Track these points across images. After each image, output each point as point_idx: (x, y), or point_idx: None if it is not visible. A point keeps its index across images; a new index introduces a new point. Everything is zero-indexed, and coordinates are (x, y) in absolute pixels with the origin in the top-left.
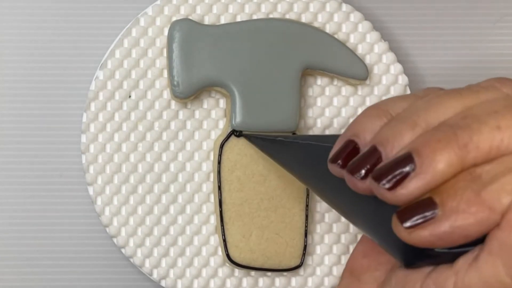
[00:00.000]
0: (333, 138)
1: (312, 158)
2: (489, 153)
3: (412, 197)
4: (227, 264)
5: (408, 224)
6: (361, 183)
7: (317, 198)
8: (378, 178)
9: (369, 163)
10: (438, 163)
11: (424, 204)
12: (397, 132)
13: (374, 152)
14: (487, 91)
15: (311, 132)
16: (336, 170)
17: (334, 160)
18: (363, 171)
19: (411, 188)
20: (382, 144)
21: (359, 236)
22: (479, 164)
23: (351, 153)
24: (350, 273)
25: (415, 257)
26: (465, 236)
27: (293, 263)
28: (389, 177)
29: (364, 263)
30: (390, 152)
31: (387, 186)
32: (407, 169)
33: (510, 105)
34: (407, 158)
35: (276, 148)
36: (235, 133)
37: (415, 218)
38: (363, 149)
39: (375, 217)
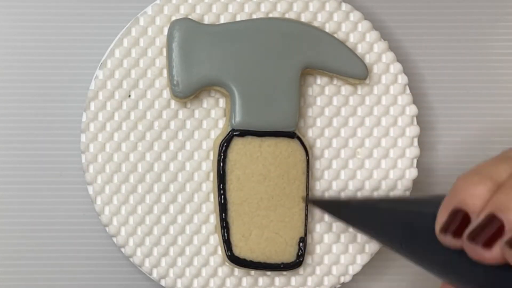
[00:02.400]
0: (420, 203)
1: (402, 224)
2: None
3: None
4: (227, 264)
5: None
6: (488, 253)
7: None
8: None
9: (491, 232)
10: None
11: None
12: None
13: (494, 220)
14: None
15: (310, 132)
16: (449, 241)
17: (445, 230)
18: (485, 241)
19: None
20: (502, 212)
21: (358, 236)
22: None
23: (463, 222)
24: None
25: None
26: None
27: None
28: None
29: None
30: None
31: None
32: None
33: None
34: None
35: (352, 213)
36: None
37: None
38: (475, 217)
39: (486, 280)
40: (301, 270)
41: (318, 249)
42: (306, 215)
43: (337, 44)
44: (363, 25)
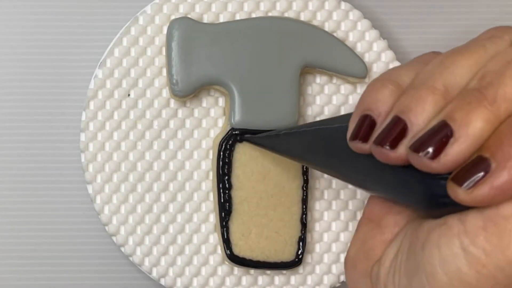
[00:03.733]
0: (339, 119)
1: (324, 141)
2: None
3: (457, 162)
4: (227, 263)
5: (466, 185)
6: (392, 153)
7: (316, 196)
8: (418, 149)
9: (395, 133)
10: (475, 124)
11: (476, 162)
12: (418, 98)
13: (398, 122)
14: (492, 42)
15: None
16: (359, 146)
17: (354, 137)
18: (390, 142)
19: (454, 153)
20: (404, 113)
21: None
22: None
23: (370, 127)
24: (369, 219)
25: (437, 205)
26: None
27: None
28: (429, 146)
29: (384, 208)
30: (415, 119)
31: (429, 155)
32: (445, 136)
33: None
34: (443, 126)
35: (282, 142)
36: (237, 138)
37: (472, 178)
38: (380, 120)
39: (395, 180)
40: (300, 269)
41: (317, 248)
42: (306, 214)
43: (337, 43)
44: (363, 24)
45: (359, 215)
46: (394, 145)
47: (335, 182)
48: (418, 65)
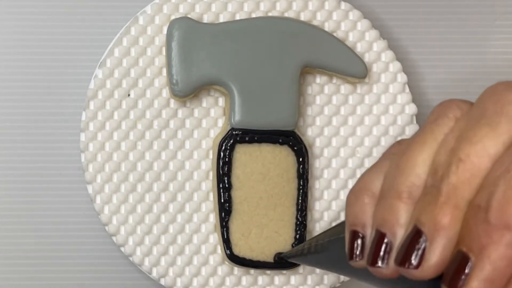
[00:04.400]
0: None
1: (338, 254)
2: (472, 182)
3: (441, 264)
4: (226, 263)
5: (459, 286)
6: (385, 270)
7: (315, 196)
8: (402, 263)
9: (381, 249)
10: (442, 223)
11: (458, 260)
12: (389, 209)
13: (381, 236)
14: (438, 125)
15: (309, 131)
16: (359, 265)
17: (351, 258)
18: (381, 259)
19: (435, 257)
20: (382, 226)
21: None
22: (476, 195)
23: (362, 243)
24: None
25: None
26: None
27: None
28: (411, 257)
29: None
30: (392, 229)
31: (413, 266)
32: (421, 242)
33: (460, 135)
34: (416, 232)
35: (308, 260)
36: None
37: (461, 278)
38: (368, 233)
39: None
40: (300, 269)
41: None
42: (306, 214)
43: (337, 43)
44: (363, 24)
45: None
46: (384, 262)
47: (335, 183)
48: (384, 164)
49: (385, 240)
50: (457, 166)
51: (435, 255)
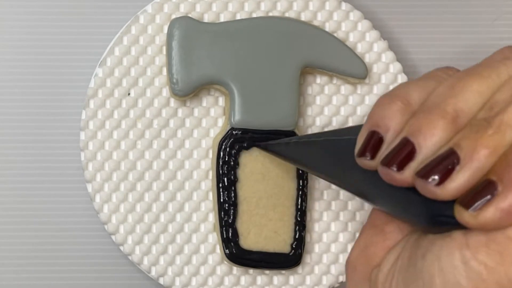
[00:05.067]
0: (349, 130)
1: (332, 153)
2: None
3: (461, 190)
4: (225, 262)
5: (472, 208)
6: (398, 175)
7: (315, 196)
8: (424, 176)
9: (403, 155)
10: (481, 152)
11: (483, 186)
12: (429, 122)
13: (406, 144)
14: (505, 65)
15: (310, 131)
16: (366, 163)
17: (362, 154)
18: (397, 164)
19: (459, 181)
20: (414, 136)
21: (357, 235)
22: None
23: (377, 144)
24: (373, 225)
25: (439, 224)
26: None
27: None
28: (435, 174)
29: (389, 215)
30: (424, 142)
31: (435, 182)
32: (451, 164)
33: None
34: (450, 153)
35: (292, 151)
36: (244, 144)
37: (479, 201)
38: (389, 138)
39: (400, 197)
40: (299, 269)
41: (317, 248)
42: (305, 214)
43: (337, 44)
44: (363, 25)
45: (358, 216)
46: (401, 167)
47: None
48: (428, 83)
49: (410, 149)
50: None
51: (461, 177)
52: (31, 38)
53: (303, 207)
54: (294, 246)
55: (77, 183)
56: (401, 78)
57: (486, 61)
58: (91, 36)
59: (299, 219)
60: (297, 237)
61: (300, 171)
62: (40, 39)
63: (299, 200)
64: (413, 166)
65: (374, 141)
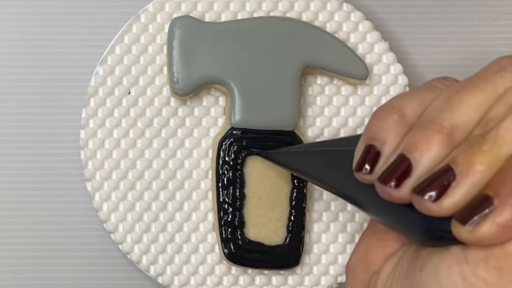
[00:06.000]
0: (347, 141)
1: (331, 163)
2: None
3: (457, 206)
4: (224, 262)
5: (469, 223)
6: (395, 193)
7: (314, 197)
8: (420, 192)
9: (399, 172)
10: (476, 168)
11: (479, 201)
12: (425, 138)
13: (403, 160)
14: (502, 77)
15: (310, 131)
16: (364, 178)
17: (359, 169)
18: (395, 181)
19: (456, 197)
20: (411, 152)
21: (356, 236)
22: None
23: (374, 158)
24: (373, 232)
25: (436, 239)
26: None
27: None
28: (432, 190)
29: None
30: (420, 159)
31: (431, 199)
32: (448, 180)
33: None
34: (447, 170)
35: (292, 160)
36: (244, 153)
37: (476, 217)
38: (385, 150)
39: (397, 212)
40: (298, 269)
41: (315, 248)
42: (304, 214)
43: (338, 44)
44: (364, 26)
45: (357, 217)
46: (398, 184)
47: None
48: (425, 94)
49: (407, 166)
50: (510, 120)
51: (457, 193)
52: (31, 38)
53: (301, 207)
54: (288, 239)
55: (77, 183)
56: (402, 79)
57: (483, 72)
58: (92, 35)
59: (292, 219)
60: (290, 235)
61: (291, 177)
62: (40, 39)
63: (293, 197)
64: (410, 183)
65: (371, 155)
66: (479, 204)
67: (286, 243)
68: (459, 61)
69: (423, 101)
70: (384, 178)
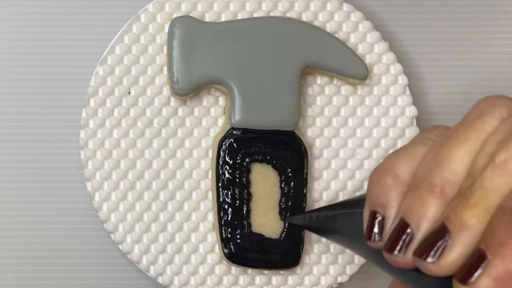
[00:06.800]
0: (358, 201)
1: (346, 227)
2: (505, 187)
3: (457, 263)
4: (224, 262)
5: (469, 282)
6: (401, 259)
7: (314, 197)
8: (420, 254)
9: (401, 238)
10: (468, 223)
11: (475, 258)
12: (420, 199)
13: (404, 225)
14: (483, 123)
15: (310, 131)
16: (375, 245)
17: (369, 237)
18: (399, 248)
19: (453, 255)
20: (409, 216)
21: None
22: (505, 198)
23: (381, 225)
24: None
25: None
26: None
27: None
28: (431, 252)
29: None
30: (418, 221)
31: (431, 260)
32: (445, 239)
33: (501, 140)
34: (442, 229)
35: (312, 224)
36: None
37: (475, 274)
38: (388, 214)
39: (406, 274)
40: (298, 269)
41: (315, 248)
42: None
43: (338, 44)
44: (364, 26)
45: None
46: (402, 251)
47: (334, 184)
48: (416, 149)
49: (407, 231)
50: (492, 171)
51: (453, 252)
52: (31, 38)
53: (302, 208)
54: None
55: (77, 183)
56: (402, 79)
57: (465, 120)
58: (92, 35)
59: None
60: (284, 234)
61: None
62: (40, 39)
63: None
64: (412, 248)
65: (377, 222)
66: (475, 261)
67: (282, 238)
68: (459, 60)
69: (414, 157)
70: (389, 247)
